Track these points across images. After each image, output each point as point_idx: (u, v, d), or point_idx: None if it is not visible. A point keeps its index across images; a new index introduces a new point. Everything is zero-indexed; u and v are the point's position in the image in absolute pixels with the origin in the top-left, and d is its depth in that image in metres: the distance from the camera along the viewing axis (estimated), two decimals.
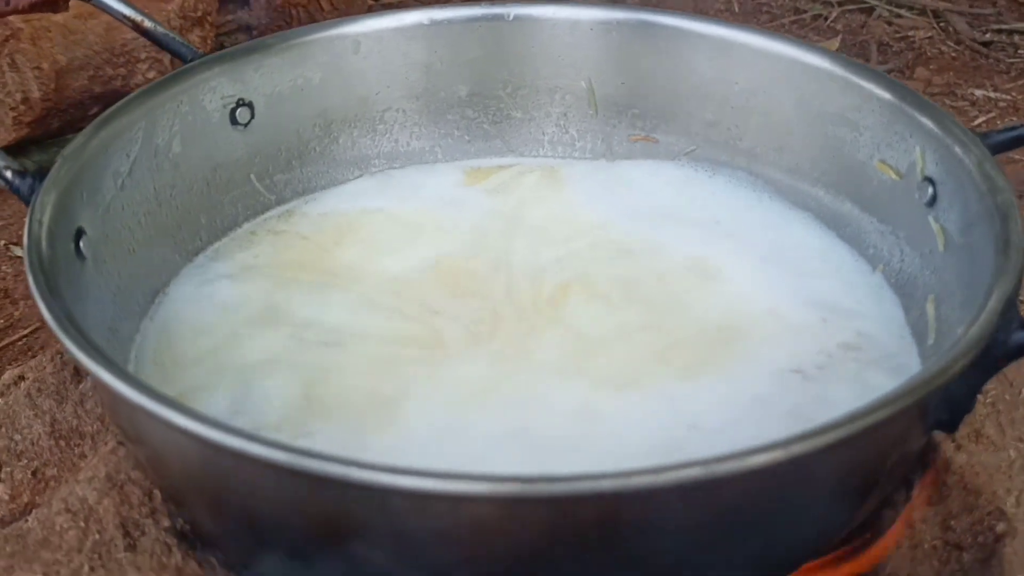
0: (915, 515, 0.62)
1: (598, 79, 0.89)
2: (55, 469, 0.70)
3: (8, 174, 0.61)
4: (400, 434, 0.62)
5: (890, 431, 0.48)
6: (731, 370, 0.67)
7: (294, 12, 2.23)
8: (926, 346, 0.66)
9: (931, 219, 0.68)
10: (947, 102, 2.00)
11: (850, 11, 2.51)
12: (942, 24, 2.37)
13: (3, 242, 1.47)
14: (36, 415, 0.73)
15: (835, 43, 2.22)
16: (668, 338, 0.69)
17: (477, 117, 0.90)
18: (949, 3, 2.46)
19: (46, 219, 0.59)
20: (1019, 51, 2.17)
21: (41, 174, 0.61)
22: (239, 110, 0.79)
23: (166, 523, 0.62)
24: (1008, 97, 2.01)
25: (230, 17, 2.11)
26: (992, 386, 0.69)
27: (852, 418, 0.45)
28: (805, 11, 2.54)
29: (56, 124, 1.72)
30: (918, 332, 0.68)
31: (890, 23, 2.42)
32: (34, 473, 0.70)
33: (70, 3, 1.70)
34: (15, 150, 1.52)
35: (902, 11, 2.47)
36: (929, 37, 2.33)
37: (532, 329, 0.71)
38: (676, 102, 0.87)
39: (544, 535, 0.44)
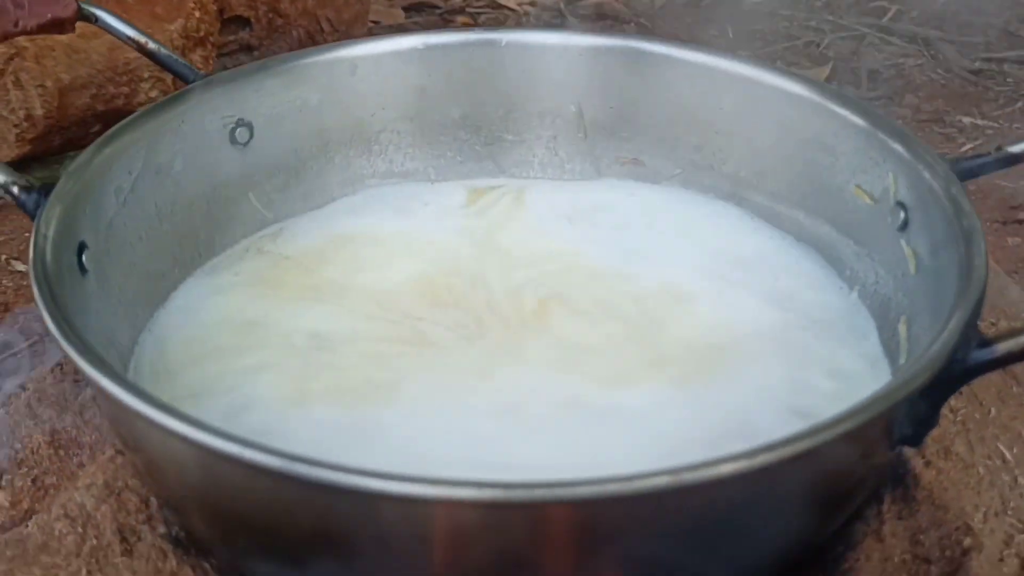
0: (885, 529, 0.64)
1: (587, 103, 0.91)
2: (54, 477, 0.72)
3: (15, 189, 0.63)
4: (398, 411, 0.65)
5: (853, 445, 0.51)
6: (717, 383, 0.69)
7: (295, 33, 2.26)
8: (897, 366, 0.68)
9: (903, 243, 0.71)
10: (935, 129, 2.04)
11: (842, 38, 2.55)
12: (932, 52, 2.41)
13: (4, 256, 1.50)
14: (36, 425, 0.75)
15: (826, 70, 2.26)
16: (656, 351, 0.72)
17: (470, 139, 0.93)
18: (939, 31, 2.50)
19: (51, 233, 0.61)
20: (1008, 79, 2.21)
21: (46, 189, 0.63)
22: (239, 130, 0.82)
23: (162, 529, 0.64)
24: (996, 124, 2.04)
25: (232, 37, 2.14)
26: (962, 405, 0.71)
27: (814, 431, 0.48)
28: (798, 37, 2.58)
29: (58, 141, 1.74)
30: (891, 352, 0.70)
31: (880, 50, 2.46)
32: (34, 481, 0.72)
33: (75, 24, 1.73)
34: (17, 166, 1.53)
35: (893, 38, 2.51)
36: (919, 65, 2.37)
37: (520, 334, 0.73)
38: (662, 127, 0.89)
39: (521, 537, 0.46)
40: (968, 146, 1.95)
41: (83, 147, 1.34)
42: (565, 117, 0.92)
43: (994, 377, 0.74)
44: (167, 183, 0.76)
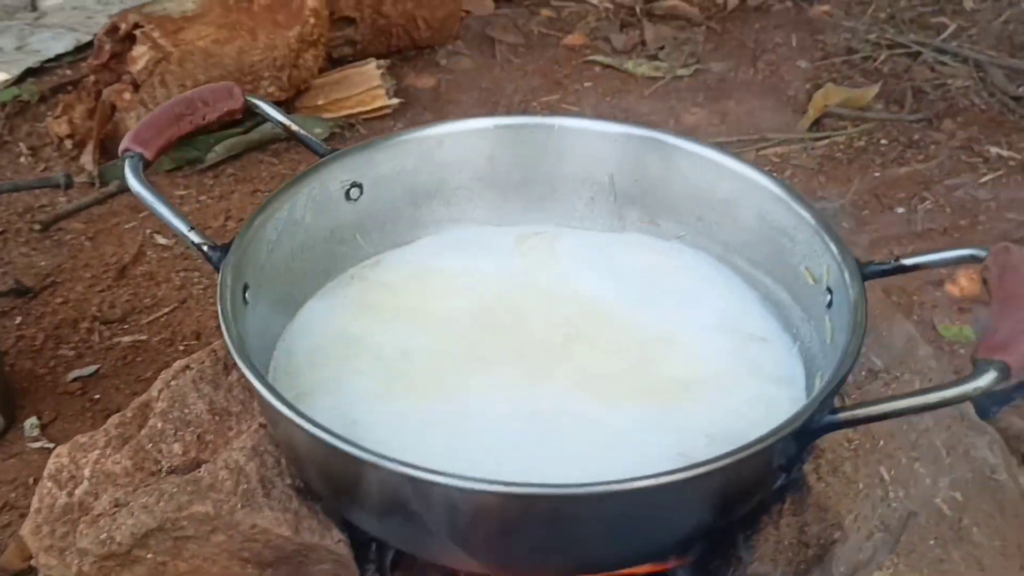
0: (782, 522, 0.92)
1: (618, 175, 1.18)
2: (212, 436, 1.03)
3: (205, 248, 0.93)
4: (454, 408, 0.94)
5: (744, 468, 0.78)
6: (682, 409, 0.97)
7: (393, 30, 2.54)
8: None
9: (827, 318, 0.97)
10: (963, 157, 2.23)
11: (898, 55, 2.71)
12: (980, 75, 2.56)
13: (148, 231, 1.82)
14: (199, 396, 1.06)
15: (874, 89, 2.45)
16: (647, 382, 1.00)
17: (526, 195, 1.20)
18: (992, 54, 2.64)
19: (228, 279, 0.91)
20: None
21: (225, 248, 0.93)
22: (352, 189, 1.10)
23: (288, 481, 0.94)
24: (1020, 156, 2.22)
25: (339, 34, 2.43)
26: (857, 436, 0.97)
27: (712, 460, 0.75)
28: (856, 51, 2.76)
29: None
30: (810, 395, 0.97)
31: (933, 69, 2.62)
32: (198, 437, 1.02)
33: (208, 25, 2.03)
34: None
35: (946, 59, 2.66)
36: (965, 87, 2.53)
37: (549, 360, 1.01)
38: (673, 199, 1.15)
39: (516, 516, 0.75)
40: (989, 176, 2.14)
41: (211, 131, 1.57)
42: (600, 184, 1.19)
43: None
44: (299, 232, 1.05)
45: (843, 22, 2.93)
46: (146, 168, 0.95)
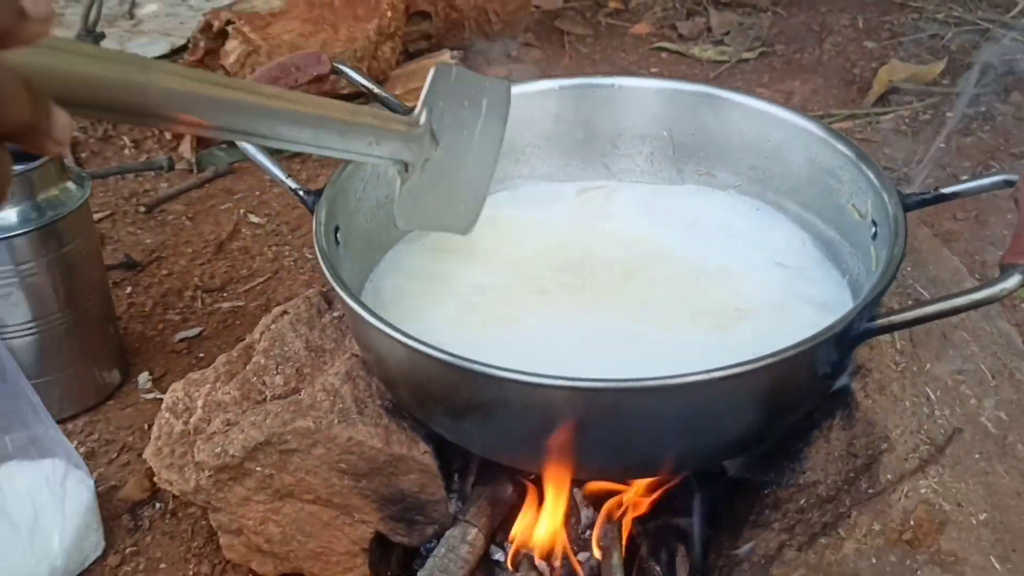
0: (832, 435, 0.99)
1: (676, 130, 1.26)
2: (309, 369, 1.14)
3: (301, 192, 1.04)
4: (521, 333, 1.03)
5: (786, 372, 0.85)
6: (739, 330, 1.04)
7: (466, 24, 2.65)
8: None
9: (872, 248, 1.04)
10: None
11: (966, 31, 2.73)
12: None
13: (243, 211, 1.95)
14: (296, 336, 1.17)
15: (940, 65, 2.48)
16: (699, 309, 1.08)
17: (589, 152, 1.29)
18: None
19: (322, 220, 1.02)
20: None
21: (318, 193, 1.04)
22: None
23: (379, 401, 1.05)
24: None
25: (414, 28, 2.55)
26: (904, 359, 1.04)
27: (759, 358, 0.83)
28: (924, 30, 2.78)
29: None
30: None
31: (999, 45, 2.63)
32: (297, 371, 1.14)
33: (294, 20, 2.17)
34: None
35: (1015, 34, 2.67)
36: None
37: (609, 292, 1.10)
38: (728, 150, 1.23)
39: (582, 410, 0.84)
40: None
41: None
42: (659, 139, 1.27)
43: (935, 341, 1.07)
44: (383, 185, 1.16)
45: (910, 2, 2.96)
46: None
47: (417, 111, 0.93)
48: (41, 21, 0.40)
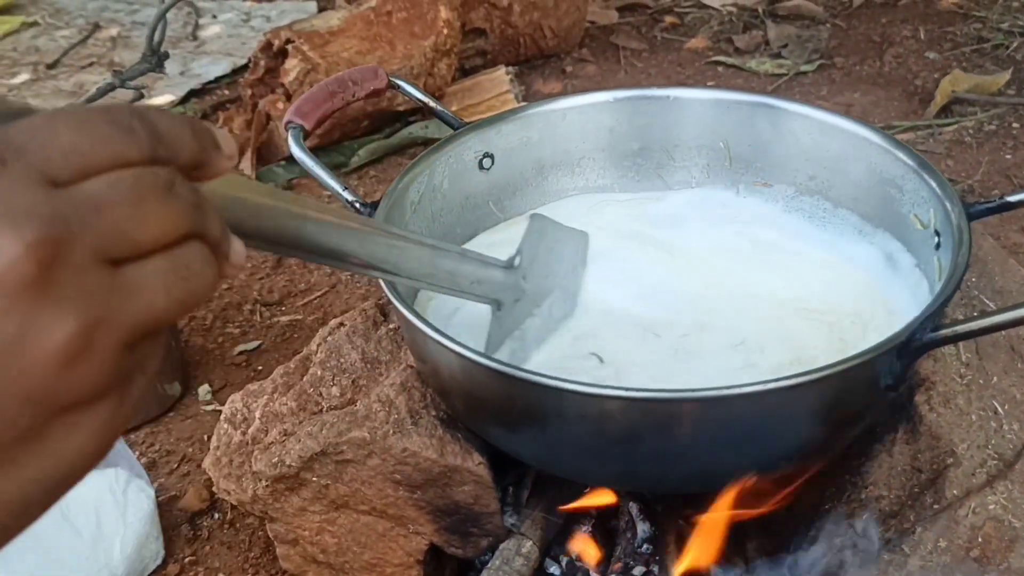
0: (895, 449, 0.96)
1: (732, 141, 1.25)
2: (365, 381, 1.14)
3: (358, 205, 1.05)
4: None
5: (848, 383, 0.84)
6: (812, 336, 1.03)
7: (521, 40, 2.67)
8: None
9: (936, 259, 1.01)
10: None
11: None
12: None
13: None
14: (352, 348, 1.18)
15: (1005, 76, 2.42)
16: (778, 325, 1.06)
17: (645, 164, 1.28)
18: None
19: None
20: None
21: (374, 205, 1.05)
22: (484, 159, 1.21)
23: (434, 412, 1.05)
24: None
25: (470, 45, 2.57)
26: (970, 373, 1.01)
27: (819, 369, 0.81)
28: (987, 40, 2.73)
29: (338, 135, 2.23)
30: None
31: None
32: (353, 382, 1.14)
33: (352, 38, 2.20)
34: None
35: None
36: None
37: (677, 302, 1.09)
38: (785, 161, 1.22)
39: (638, 421, 0.83)
40: None
41: (355, 138, 1.76)
42: (715, 150, 1.26)
43: (1002, 354, 1.04)
44: (438, 197, 1.16)
45: (974, 12, 2.91)
46: (305, 138, 1.08)
47: (514, 256, 0.98)
48: (229, 157, 0.44)
